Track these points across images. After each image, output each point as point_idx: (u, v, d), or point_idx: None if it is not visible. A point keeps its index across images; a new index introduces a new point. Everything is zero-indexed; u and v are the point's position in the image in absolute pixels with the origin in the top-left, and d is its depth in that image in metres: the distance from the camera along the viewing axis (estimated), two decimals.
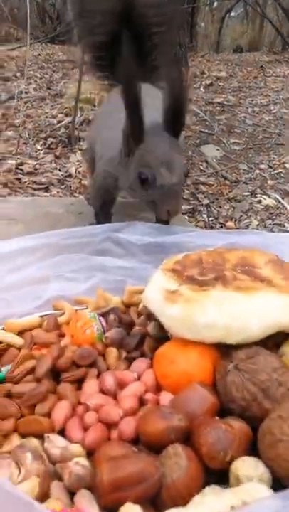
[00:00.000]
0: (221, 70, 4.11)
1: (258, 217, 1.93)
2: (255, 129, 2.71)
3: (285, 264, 0.81)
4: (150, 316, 0.80)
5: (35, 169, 2.07)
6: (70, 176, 2.07)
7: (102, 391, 0.63)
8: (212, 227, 1.82)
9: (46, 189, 1.93)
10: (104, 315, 0.82)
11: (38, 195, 1.85)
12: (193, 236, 0.98)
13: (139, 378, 0.67)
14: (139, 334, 0.75)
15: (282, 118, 2.85)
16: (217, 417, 0.62)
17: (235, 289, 0.71)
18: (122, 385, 0.65)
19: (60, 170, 2.11)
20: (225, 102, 3.11)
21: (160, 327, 0.75)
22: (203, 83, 3.51)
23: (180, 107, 0.93)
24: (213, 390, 0.64)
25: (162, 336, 0.75)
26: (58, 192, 1.91)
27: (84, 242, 0.97)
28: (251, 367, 0.62)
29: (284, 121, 2.80)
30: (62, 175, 2.07)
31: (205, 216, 1.88)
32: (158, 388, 0.67)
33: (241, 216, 1.92)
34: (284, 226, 1.89)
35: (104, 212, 1.20)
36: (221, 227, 1.83)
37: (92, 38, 1.47)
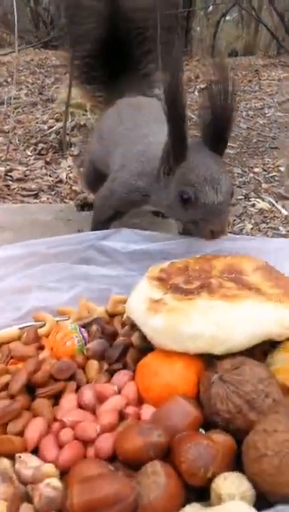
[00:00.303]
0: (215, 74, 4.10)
1: (252, 221, 1.91)
2: (249, 133, 2.70)
3: (274, 271, 0.79)
4: (134, 326, 0.77)
5: (25, 175, 2.05)
6: (60, 181, 2.05)
7: (81, 406, 0.61)
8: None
9: (36, 196, 1.91)
10: (86, 326, 0.79)
11: (28, 202, 1.82)
12: (181, 243, 0.95)
13: (120, 391, 0.64)
14: (122, 345, 0.73)
15: (276, 121, 2.84)
16: (202, 430, 0.60)
17: (221, 298, 0.69)
18: (101, 398, 0.62)
19: (50, 176, 2.09)
20: None
21: (144, 337, 0.72)
22: (198, 87, 3.51)
23: (225, 122, 0.85)
24: (197, 403, 0.61)
25: (146, 347, 0.72)
26: (47, 198, 1.89)
27: (67, 250, 0.94)
28: (236, 378, 0.59)
29: (278, 125, 2.79)
30: (52, 181, 2.05)
31: None
32: (140, 401, 0.64)
33: (235, 220, 1.90)
34: (278, 229, 1.87)
35: (108, 223, 1.16)
36: None
37: (82, 45, 1.46)
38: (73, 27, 1.48)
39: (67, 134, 2.35)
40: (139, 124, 1.15)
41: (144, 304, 0.71)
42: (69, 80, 2.01)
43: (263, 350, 0.70)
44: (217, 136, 0.87)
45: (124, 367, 0.70)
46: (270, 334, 0.65)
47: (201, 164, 0.84)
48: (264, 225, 1.87)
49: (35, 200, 1.90)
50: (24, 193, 1.92)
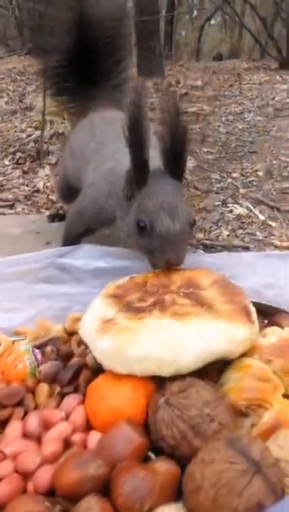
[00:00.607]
0: (197, 78, 4.12)
1: (229, 227, 1.90)
2: (228, 138, 2.70)
3: (230, 285, 0.78)
4: None
5: (2, 185, 2.03)
6: (37, 191, 2.03)
7: (25, 434, 0.59)
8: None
9: (11, 206, 1.88)
10: (42, 346, 0.78)
11: (3, 214, 1.80)
12: (144, 259, 0.94)
13: (67, 417, 0.62)
14: (76, 366, 0.71)
15: (255, 126, 2.84)
16: (152, 454, 0.58)
17: (172, 315, 0.68)
18: (48, 425, 0.61)
19: (27, 185, 2.07)
20: (199, 111, 3.10)
21: None
22: (178, 92, 3.51)
23: (180, 148, 0.85)
24: (144, 428, 0.60)
25: (100, 368, 0.71)
26: (23, 209, 1.87)
27: (27, 269, 0.93)
28: (182, 402, 0.58)
29: (257, 129, 2.79)
30: (29, 190, 2.03)
31: None
32: (90, 426, 0.63)
33: (211, 227, 1.89)
34: (255, 235, 1.86)
35: (79, 237, 1.14)
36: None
37: (51, 55, 1.44)
38: (41, 37, 1.47)
39: (45, 143, 2.33)
40: (112, 140, 1.13)
41: (95, 324, 0.70)
42: (43, 89, 2.00)
43: (217, 368, 0.69)
44: (175, 160, 0.86)
45: (76, 390, 0.68)
46: (220, 353, 0.64)
47: (159, 192, 0.83)
48: (241, 231, 1.86)
49: (11, 211, 1.87)
50: (0, 203, 1.90)
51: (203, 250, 1.70)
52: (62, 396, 0.68)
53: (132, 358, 0.63)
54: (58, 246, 1.18)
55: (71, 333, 0.83)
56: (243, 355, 0.67)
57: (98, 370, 0.70)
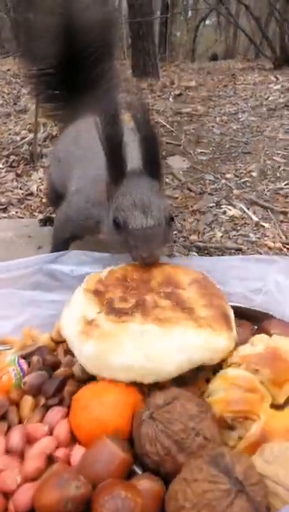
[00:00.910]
0: (191, 79, 4.11)
1: (222, 229, 1.88)
2: (222, 139, 2.68)
3: (210, 286, 0.77)
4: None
5: None
6: (31, 194, 2.02)
7: (8, 450, 0.58)
8: (174, 242, 1.77)
9: (5, 210, 1.87)
10: (28, 356, 0.76)
11: None
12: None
13: (51, 431, 0.61)
14: (61, 377, 0.70)
15: (249, 126, 2.83)
16: (137, 468, 0.57)
17: (154, 321, 0.67)
18: (31, 440, 0.59)
19: (21, 188, 2.06)
20: (193, 112, 3.09)
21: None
22: (172, 93, 3.50)
23: (153, 151, 0.88)
24: (129, 441, 0.59)
25: (86, 378, 0.69)
26: (16, 212, 1.85)
27: (19, 275, 0.91)
28: (166, 416, 0.57)
29: (251, 130, 2.78)
30: (22, 194, 2.01)
31: None
32: (73, 439, 0.61)
33: (205, 229, 1.87)
34: (248, 236, 1.85)
35: (66, 243, 1.14)
36: (184, 240, 1.79)
37: (38, 62, 1.43)
38: (30, 43, 1.45)
39: (39, 145, 2.32)
40: (97, 146, 1.13)
41: (78, 325, 0.68)
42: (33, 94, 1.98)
43: (204, 378, 0.68)
44: (151, 161, 0.88)
45: (61, 401, 0.67)
46: (200, 360, 0.64)
47: (133, 190, 0.85)
48: (234, 233, 1.85)
49: (4, 215, 1.86)
50: None
51: (197, 252, 1.68)
52: (46, 408, 0.66)
53: (115, 365, 0.63)
54: (48, 250, 1.17)
55: (58, 342, 0.82)
56: (230, 365, 0.67)
57: (84, 381, 0.69)
